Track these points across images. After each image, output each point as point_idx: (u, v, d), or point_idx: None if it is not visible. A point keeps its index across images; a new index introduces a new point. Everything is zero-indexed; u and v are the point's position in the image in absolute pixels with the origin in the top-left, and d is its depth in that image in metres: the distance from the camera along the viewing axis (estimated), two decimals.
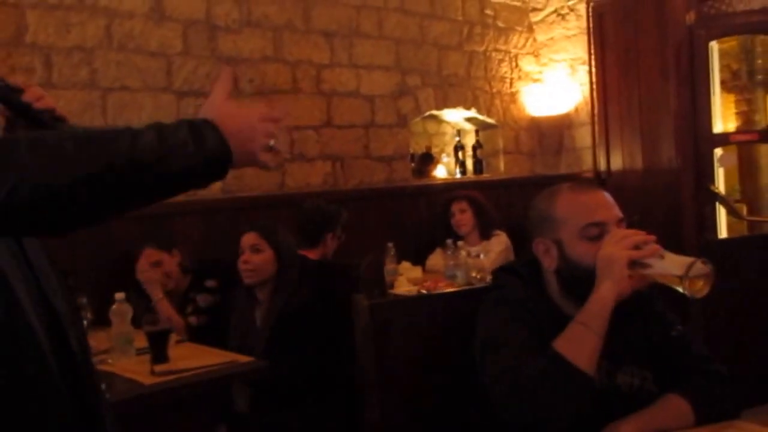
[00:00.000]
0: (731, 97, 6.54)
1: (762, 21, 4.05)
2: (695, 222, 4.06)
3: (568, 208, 1.46)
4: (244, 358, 2.22)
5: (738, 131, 4.99)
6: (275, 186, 3.59)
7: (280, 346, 2.47)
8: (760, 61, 6.50)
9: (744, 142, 4.64)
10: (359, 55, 3.93)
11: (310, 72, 3.72)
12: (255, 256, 2.53)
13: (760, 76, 6.50)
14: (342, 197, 3.71)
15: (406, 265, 3.64)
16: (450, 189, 4.05)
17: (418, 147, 5.22)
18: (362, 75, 3.94)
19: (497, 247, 3.57)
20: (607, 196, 1.46)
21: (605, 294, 1.33)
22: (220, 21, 3.40)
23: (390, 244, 3.57)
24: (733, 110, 6.58)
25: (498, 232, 3.71)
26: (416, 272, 3.58)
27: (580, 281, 1.39)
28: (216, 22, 3.39)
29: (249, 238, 2.56)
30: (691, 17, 4.07)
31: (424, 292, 3.09)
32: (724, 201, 4.06)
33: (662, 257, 1.32)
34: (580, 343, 1.31)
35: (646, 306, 1.46)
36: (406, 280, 3.43)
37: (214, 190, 3.32)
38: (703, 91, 4.10)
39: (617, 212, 1.43)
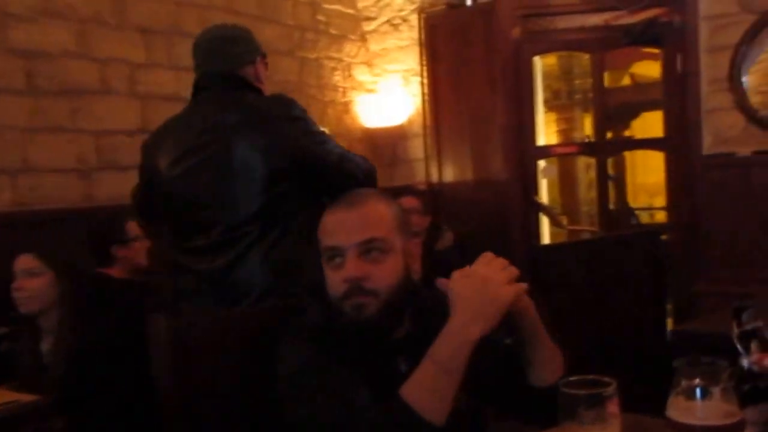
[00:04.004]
0: (553, 116, 6.91)
1: (581, 39, 4.23)
2: (522, 231, 4.15)
3: (320, 228, 1.32)
4: (27, 397, 1.89)
5: (559, 144, 5.21)
6: (81, 198, 3.20)
7: (78, 383, 2.14)
8: (578, 82, 6.91)
9: (565, 155, 4.85)
10: (180, 55, 3.62)
11: (123, 71, 3.37)
12: (30, 281, 2.22)
13: (578, 96, 6.90)
14: None
15: None
16: None
17: None
18: (183, 77, 3.62)
19: None
20: (356, 216, 1.28)
21: (474, 336, 1.14)
22: (13, 8, 2.98)
23: None
24: (555, 128, 6.95)
25: None
26: None
27: (333, 315, 1.26)
28: (7, 8, 2.97)
29: (22, 262, 2.24)
30: (517, 32, 4.17)
31: None
32: (547, 211, 4.18)
33: None
34: (434, 392, 1.13)
35: None
36: None
37: (4, 201, 2.89)
38: (528, 105, 4.21)
39: (358, 236, 1.25)
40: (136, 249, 2.77)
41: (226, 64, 2.03)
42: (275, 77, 4.13)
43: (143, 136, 3.42)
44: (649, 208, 7.53)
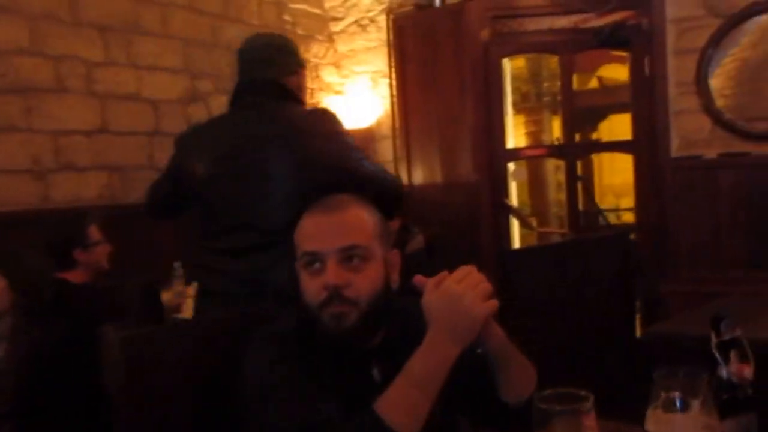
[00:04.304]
0: (521, 118, 6.92)
1: (549, 41, 4.22)
2: (492, 233, 4.12)
3: (298, 232, 1.26)
4: None
5: (529, 146, 5.20)
6: (37, 200, 3.08)
7: (30, 390, 2.06)
8: (546, 84, 6.92)
9: (534, 157, 4.84)
10: (140, 54, 3.52)
11: (79, 70, 3.26)
12: None
13: (546, 98, 6.92)
14: (122, 212, 3.29)
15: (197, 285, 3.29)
16: None
17: None
18: (144, 76, 3.54)
19: None
20: (338, 220, 1.23)
21: (452, 354, 1.11)
22: None
23: (177, 264, 3.23)
24: (523, 130, 6.96)
25: None
26: None
27: (309, 323, 1.20)
28: None
29: None
30: (486, 34, 4.14)
31: None
32: (517, 213, 4.16)
33: None
34: (409, 409, 1.09)
35: None
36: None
37: None
38: (497, 107, 4.18)
39: (339, 242, 1.19)
40: (98, 253, 2.70)
41: (271, 73, 2.02)
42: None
43: (102, 136, 3.35)
44: (616, 209, 7.59)
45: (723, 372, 1.00)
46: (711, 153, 3.87)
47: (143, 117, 3.53)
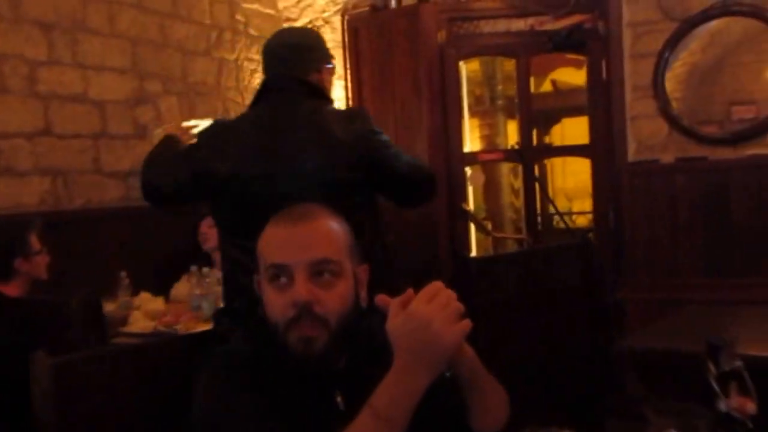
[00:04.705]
0: (476, 122, 6.90)
1: (506, 43, 4.19)
2: (450, 239, 4.07)
3: (261, 242, 1.16)
4: None
5: (486, 150, 5.17)
6: None
7: None
8: (500, 87, 6.92)
9: (492, 161, 4.80)
10: (85, 53, 3.36)
11: (21, 69, 3.08)
12: None
13: (501, 102, 6.91)
14: (65, 218, 3.14)
15: (145, 296, 3.15)
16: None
17: None
18: (90, 77, 3.37)
19: None
20: (307, 231, 1.14)
21: (420, 386, 1.00)
22: None
23: (123, 273, 3.08)
24: (478, 134, 6.95)
25: None
26: (157, 304, 3.11)
27: (270, 340, 1.10)
28: None
29: None
30: (442, 36, 4.09)
31: (161, 328, 2.68)
32: (474, 218, 4.12)
33: None
34: None
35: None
36: (143, 314, 2.96)
37: None
38: (455, 110, 4.14)
39: (309, 255, 1.11)
40: (38, 263, 2.55)
41: (297, 70, 2.01)
42: (190, 78, 3.92)
43: (45, 139, 3.17)
44: (569, 213, 7.65)
45: (722, 406, 0.93)
46: (668, 157, 3.88)
47: (88, 119, 3.37)
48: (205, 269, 3.09)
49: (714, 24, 3.82)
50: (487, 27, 4.15)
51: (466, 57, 4.31)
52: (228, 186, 1.91)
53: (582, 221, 7.12)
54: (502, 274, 2.44)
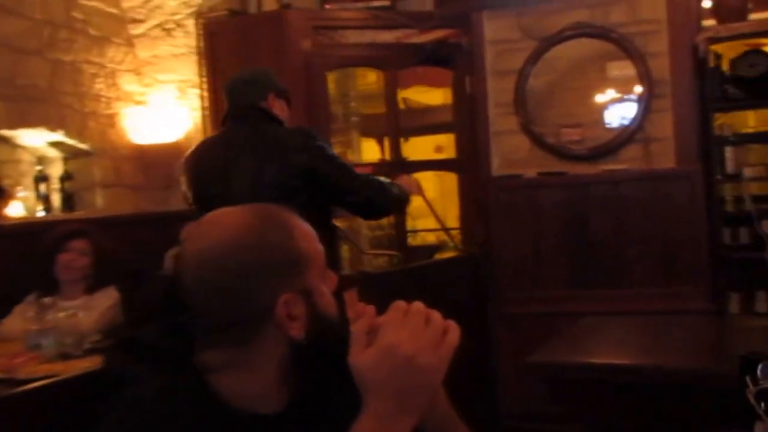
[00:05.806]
0: (331, 139, 6.77)
1: (373, 55, 4.08)
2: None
3: (309, 241, 0.97)
4: None
5: (357, 164, 5.04)
6: None
7: None
8: (353, 104, 6.84)
9: None
10: None
11: None
12: None
13: (354, 119, 6.83)
14: None
15: None
16: (32, 229, 3.13)
17: None
18: None
19: (105, 303, 2.76)
20: None
21: (405, 429, 0.82)
22: None
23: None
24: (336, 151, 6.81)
25: None
26: None
27: (323, 349, 0.90)
28: None
29: None
30: (307, 44, 3.89)
31: None
32: (346, 235, 3.95)
33: None
34: None
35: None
36: None
37: None
38: (324, 122, 3.95)
39: None
40: None
41: (247, 100, 2.50)
42: (19, 80, 3.41)
43: None
44: (414, 230, 7.68)
45: (761, 429, 0.81)
46: (530, 172, 3.95)
47: None
48: (47, 299, 2.63)
49: (569, 44, 3.95)
50: (353, 37, 4.02)
51: (333, 68, 4.16)
52: (200, 207, 2.30)
53: (432, 239, 7.17)
54: (393, 289, 2.32)
